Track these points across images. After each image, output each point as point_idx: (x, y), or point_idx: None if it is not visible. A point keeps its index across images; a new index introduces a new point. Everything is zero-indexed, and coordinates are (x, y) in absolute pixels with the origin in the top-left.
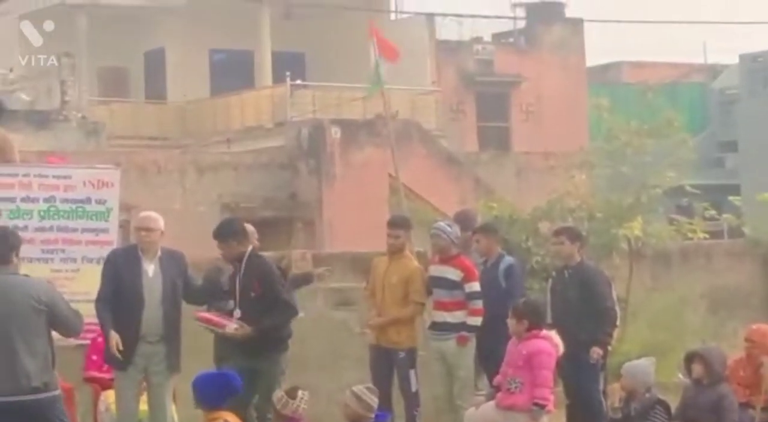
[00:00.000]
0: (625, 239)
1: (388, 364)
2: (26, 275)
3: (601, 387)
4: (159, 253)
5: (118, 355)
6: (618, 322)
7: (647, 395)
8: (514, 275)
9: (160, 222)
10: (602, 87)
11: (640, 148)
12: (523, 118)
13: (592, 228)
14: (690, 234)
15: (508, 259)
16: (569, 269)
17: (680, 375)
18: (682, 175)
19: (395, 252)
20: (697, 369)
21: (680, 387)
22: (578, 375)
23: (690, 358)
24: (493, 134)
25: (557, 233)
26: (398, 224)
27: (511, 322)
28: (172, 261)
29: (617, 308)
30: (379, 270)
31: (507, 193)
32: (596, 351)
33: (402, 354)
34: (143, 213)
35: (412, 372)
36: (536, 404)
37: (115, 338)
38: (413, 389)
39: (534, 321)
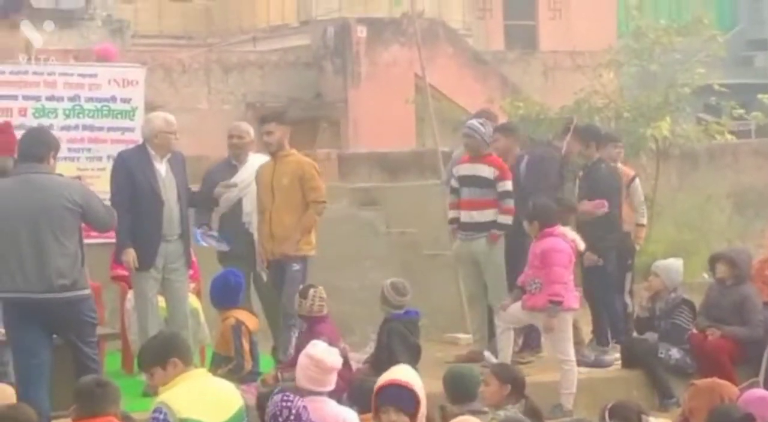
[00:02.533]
0: (652, 139)
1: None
2: (60, 174)
3: (628, 287)
4: (169, 154)
5: (134, 268)
6: (645, 221)
7: (673, 295)
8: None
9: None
10: None
11: (668, 46)
12: (550, 16)
13: (620, 128)
14: (717, 135)
15: (527, 159)
16: (585, 169)
17: (705, 275)
18: (711, 73)
19: (276, 150)
20: (722, 269)
21: (705, 287)
22: (590, 280)
23: (715, 259)
24: (520, 33)
25: (572, 131)
26: (268, 118)
27: (525, 224)
28: (177, 161)
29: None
30: (264, 177)
31: (534, 92)
32: (588, 257)
33: (296, 267)
34: (169, 117)
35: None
36: (551, 301)
37: (131, 255)
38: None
39: (544, 221)
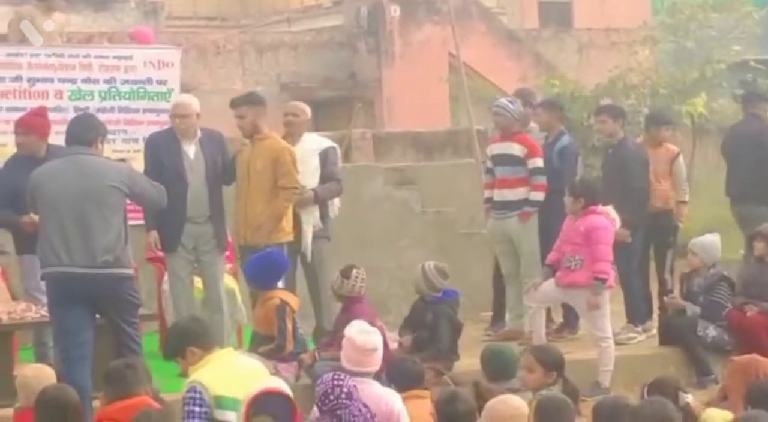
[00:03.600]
0: (688, 115)
1: None
2: (108, 158)
3: (669, 265)
4: (198, 134)
5: (156, 250)
6: (687, 198)
7: (711, 271)
8: (567, 155)
9: (194, 105)
10: None
11: (704, 22)
12: None
13: (655, 105)
14: None
15: (565, 140)
16: (612, 147)
17: (743, 252)
18: (747, 49)
19: (248, 133)
20: (760, 246)
21: (743, 264)
22: (616, 257)
23: (753, 236)
24: (554, 10)
25: (599, 111)
26: (239, 102)
27: (568, 200)
28: (212, 141)
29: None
30: (242, 160)
31: (569, 70)
32: (620, 233)
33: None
34: (177, 100)
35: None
36: (597, 278)
37: (153, 236)
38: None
39: (590, 198)
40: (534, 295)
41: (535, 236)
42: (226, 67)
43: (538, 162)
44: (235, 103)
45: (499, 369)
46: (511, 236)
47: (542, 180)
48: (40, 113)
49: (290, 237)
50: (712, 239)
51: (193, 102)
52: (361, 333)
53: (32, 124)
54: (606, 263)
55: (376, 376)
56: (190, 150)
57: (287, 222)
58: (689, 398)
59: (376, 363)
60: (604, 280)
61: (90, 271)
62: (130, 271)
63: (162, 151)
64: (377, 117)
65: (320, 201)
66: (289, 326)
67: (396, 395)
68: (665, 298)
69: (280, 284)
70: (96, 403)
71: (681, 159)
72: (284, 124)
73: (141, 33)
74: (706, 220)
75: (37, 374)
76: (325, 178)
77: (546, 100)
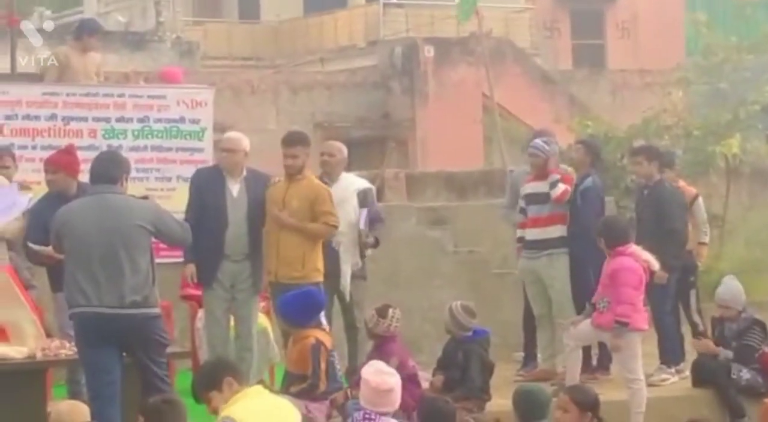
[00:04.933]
0: (722, 156)
1: None
2: (132, 195)
3: (694, 306)
4: (244, 173)
5: (192, 284)
6: (707, 240)
7: (743, 315)
8: (590, 197)
9: (244, 143)
10: (699, 1)
11: (738, 63)
12: (618, 35)
13: (689, 146)
14: None
15: (589, 181)
16: (647, 188)
17: None
18: None
19: (294, 173)
20: None
21: None
22: (650, 298)
23: None
24: (588, 52)
25: (635, 153)
26: (294, 141)
27: (600, 242)
28: (258, 182)
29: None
30: (275, 197)
31: (602, 111)
32: (659, 276)
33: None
34: (226, 134)
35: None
36: (617, 322)
37: (191, 270)
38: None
39: (611, 239)
40: (573, 334)
41: (565, 276)
42: (261, 107)
43: (555, 177)
44: (289, 142)
45: (530, 410)
46: (541, 276)
47: (562, 186)
48: (69, 151)
49: (321, 278)
50: (734, 283)
51: (243, 139)
52: (377, 374)
53: (60, 162)
54: (628, 306)
55: (409, 416)
56: (234, 188)
57: (320, 262)
58: None
59: (393, 403)
60: (624, 324)
61: (118, 312)
62: (157, 310)
63: (205, 187)
64: (410, 157)
65: (378, 245)
66: (323, 366)
67: None
68: (693, 340)
69: (323, 321)
70: None
71: (700, 200)
72: (320, 164)
73: (170, 73)
74: (740, 262)
75: (71, 410)
76: (372, 220)
77: (586, 140)
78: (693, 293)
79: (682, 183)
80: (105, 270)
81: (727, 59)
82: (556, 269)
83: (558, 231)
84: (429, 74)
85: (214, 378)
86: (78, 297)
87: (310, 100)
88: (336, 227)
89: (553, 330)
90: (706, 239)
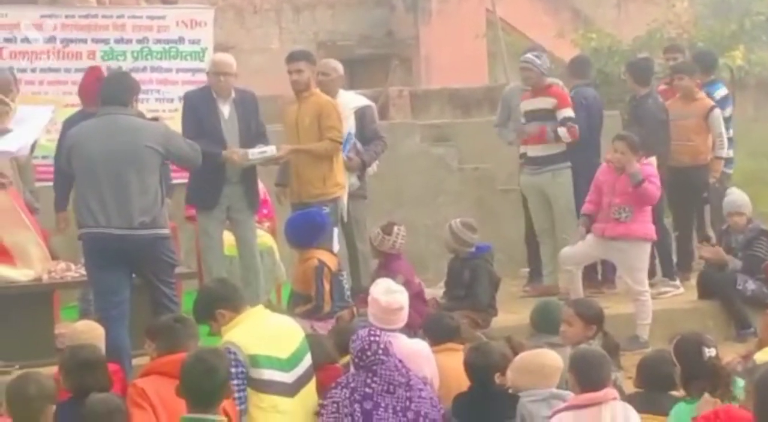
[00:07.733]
0: (727, 68)
1: None
2: (142, 116)
3: (709, 220)
4: (232, 94)
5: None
6: (723, 154)
7: (750, 226)
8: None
9: (235, 65)
10: None
11: None
12: None
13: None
14: None
15: (583, 91)
16: (634, 101)
17: None
18: None
19: (302, 90)
20: None
21: None
22: None
23: None
24: None
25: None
26: (298, 57)
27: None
28: (246, 102)
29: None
30: (289, 118)
31: (606, 24)
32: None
33: (327, 210)
34: (216, 57)
35: (335, 232)
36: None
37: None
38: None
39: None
40: (571, 255)
41: (569, 192)
42: (263, 27)
43: (568, 111)
44: (293, 58)
45: (548, 323)
46: (545, 191)
47: (573, 127)
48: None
49: (342, 192)
50: (741, 192)
51: (233, 61)
52: (386, 293)
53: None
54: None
55: (414, 331)
56: (225, 109)
57: (340, 175)
58: (713, 352)
59: (401, 320)
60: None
61: (127, 232)
62: (166, 231)
63: (200, 109)
64: (414, 74)
65: (368, 166)
66: (327, 287)
67: (423, 343)
68: (704, 246)
69: (335, 242)
70: (135, 361)
71: (716, 112)
72: (317, 84)
73: None
74: (744, 174)
75: (87, 328)
76: (368, 138)
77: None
78: (707, 208)
79: (700, 94)
80: (114, 191)
81: None
82: (561, 185)
83: (559, 146)
84: None
85: (207, 311)
86: (87, 218)
87: (313, 19)
88: (339, 142)
89: (555, 245)
90: (723, 153)
